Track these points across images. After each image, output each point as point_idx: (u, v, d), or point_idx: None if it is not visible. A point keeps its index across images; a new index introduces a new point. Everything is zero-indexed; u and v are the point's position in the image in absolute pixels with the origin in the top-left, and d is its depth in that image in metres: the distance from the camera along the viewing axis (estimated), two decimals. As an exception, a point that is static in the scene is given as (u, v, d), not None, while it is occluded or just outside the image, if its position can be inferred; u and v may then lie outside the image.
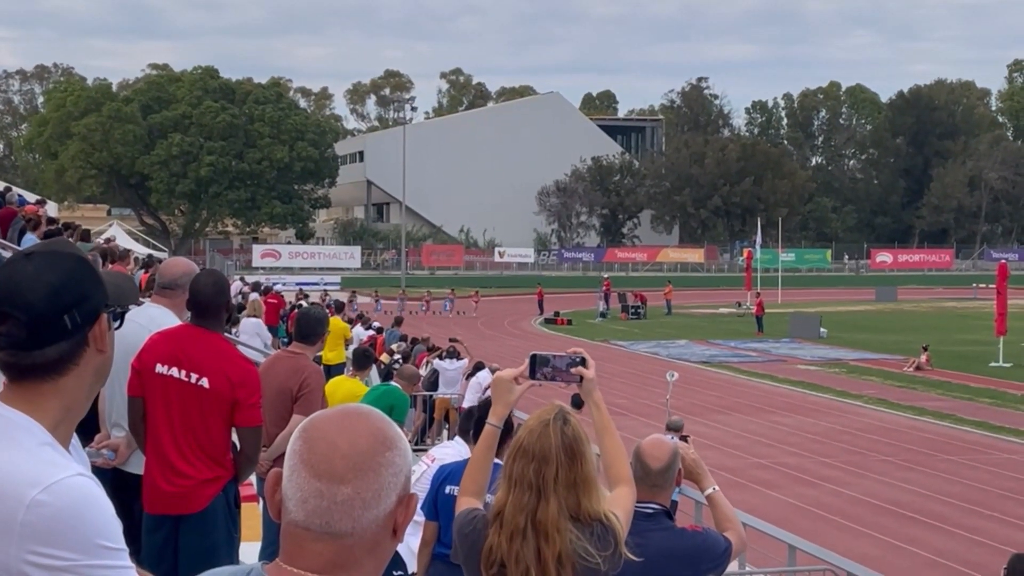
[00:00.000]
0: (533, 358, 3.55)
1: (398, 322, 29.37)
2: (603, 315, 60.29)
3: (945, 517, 17.92)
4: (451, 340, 23.79)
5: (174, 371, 5.49)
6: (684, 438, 16.01)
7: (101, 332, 2.21)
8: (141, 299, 6.45)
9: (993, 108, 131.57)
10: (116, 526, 2.11)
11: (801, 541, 10.39)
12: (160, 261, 16.11)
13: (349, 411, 1.85)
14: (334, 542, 1.77)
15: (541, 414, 3.22)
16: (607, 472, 3.65)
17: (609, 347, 45.07)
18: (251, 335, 16.66)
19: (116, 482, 6.03)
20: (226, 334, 6.11)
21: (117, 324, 2.30)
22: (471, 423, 8.08)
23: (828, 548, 10.84)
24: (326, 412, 1.84)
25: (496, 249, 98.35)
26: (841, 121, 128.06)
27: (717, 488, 4.05)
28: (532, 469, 3.16)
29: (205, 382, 5.41)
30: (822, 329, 49.41)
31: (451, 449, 7.73)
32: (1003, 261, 45.49)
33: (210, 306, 5.66)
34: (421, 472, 7.29)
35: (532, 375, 3.54)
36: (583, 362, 3.58)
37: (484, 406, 4.09)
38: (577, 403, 15.93)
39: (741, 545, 4.19)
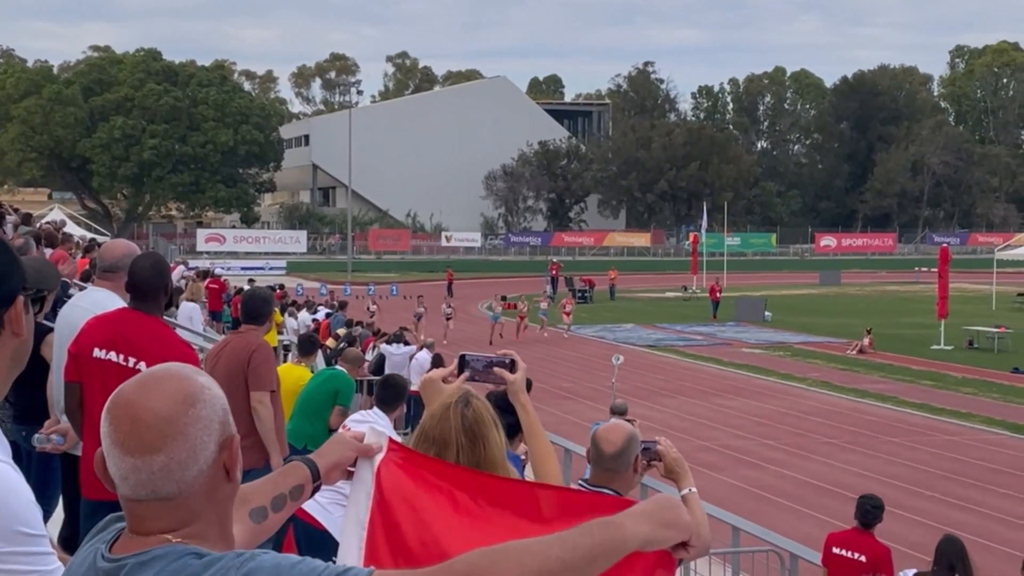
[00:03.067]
0: (462, 358, 3.57)
1: (342, 306, 29.26)
2: (550, 299, 60.31)
3: (887, 498, 17.95)
4: (402, 329, 23.77)
5: (112, 355, 5.41)
6: (630, 422, 16.04)
7: (17, 315, 2.16)
8: (84, 284, 6.36)
9: (935, 93, 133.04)
10: (35, 512, 2.07)
11: (745, 522, 10.47)
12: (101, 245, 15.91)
13: (145, 379, 1.88)
14: (166, 504, 1.84)
15: (445, 399, 3.18)
16: (535, 474, 3.64)
17: (556, 331, 45.14)
18: (185, 319, 16.55)
19: (66, 467, 5.96)
20: (166, 318, 6.02)
21: (37, 308, 2.24)
22: (387, 392, 8.06)
23: (772, 529, 10.94)
24: (125, 386, 1.88)
25: (443, 233, 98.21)
26: (786, 106, 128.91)
27: (694, 490, 4.01)
28: (432, 454, 3.11)
29: (143, 367, 5.33)
30: (767, 313, 49.82)
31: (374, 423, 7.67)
32: (945, 245, 46.07)
33: (148, 289, 5.57)
34: None
35: (461, 375, 3.54)
36: (511, 364, 3.58)
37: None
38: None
39: (702, 549, 4.14)
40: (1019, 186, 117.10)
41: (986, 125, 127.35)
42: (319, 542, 6.99)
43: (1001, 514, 17.45)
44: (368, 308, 40.67)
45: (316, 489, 2.47)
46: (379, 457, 2.53)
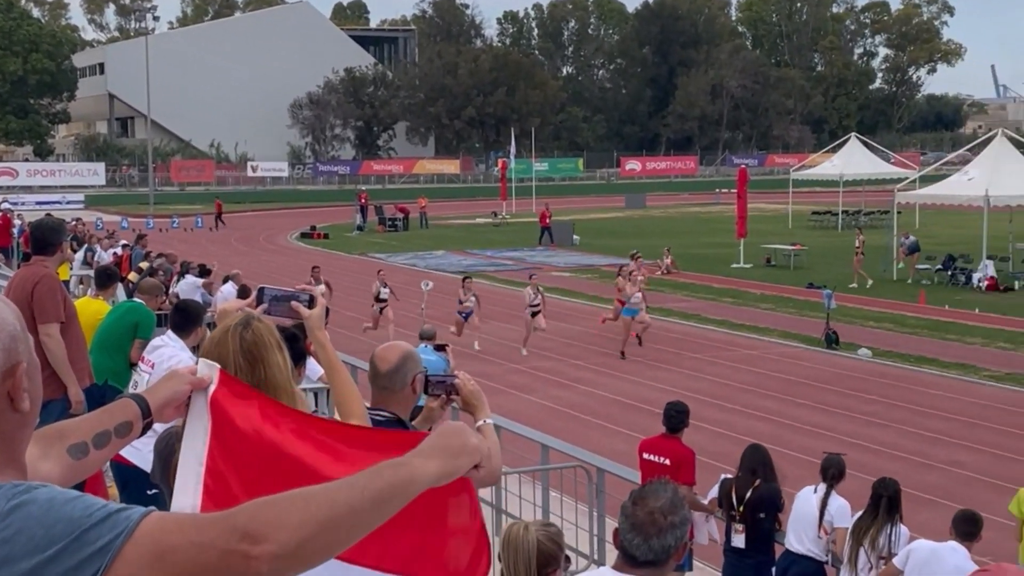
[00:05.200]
0: (261, 291, 3.53)
1: (140, 239, 28.45)
2: (360, 228, 60.03)
3: (691, 412, 18.69)
4: (204, 265, 23.28)
5: None
6: (441, 347, 16.14)
7: None
8: None
9: (733, 18, 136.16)
10: None
11: (554, 440, 10.64)
12: None
13: None
14: None
15: (227, 322, 3.13)
16: (339, 409, 3.62)
17: (367, 260, 44.89)
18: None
19: None
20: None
21: None
22: (180, 316, 7.95)
23: (580, 446, 11.16)
24: None
25: (249, 163, 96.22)
26: (590, 31, 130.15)
27: (490, 421, 4.03)
28: None
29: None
30: (575, 236, 50.63)
31: (168, 349, 7.55)
32: (743, 167, 47.38)
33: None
34: (145, 381, 7.09)
35: (258, 307, 3.49)
36: (310, 300, 3.54)
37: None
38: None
39: (490, 479, 4.17)
40: (813, 108, 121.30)
41: (781, 49, 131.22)
42: (134, 478, 6.89)
43: (798, 423, 18.25)
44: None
45: (148, 426, 2.41)
46: (212, 389, 2.45)
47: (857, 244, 34.98)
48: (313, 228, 57.76)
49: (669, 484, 3.60)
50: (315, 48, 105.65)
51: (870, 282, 34.11)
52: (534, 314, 24.61)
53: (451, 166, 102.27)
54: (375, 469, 1.94)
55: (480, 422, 3.95)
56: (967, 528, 7.87)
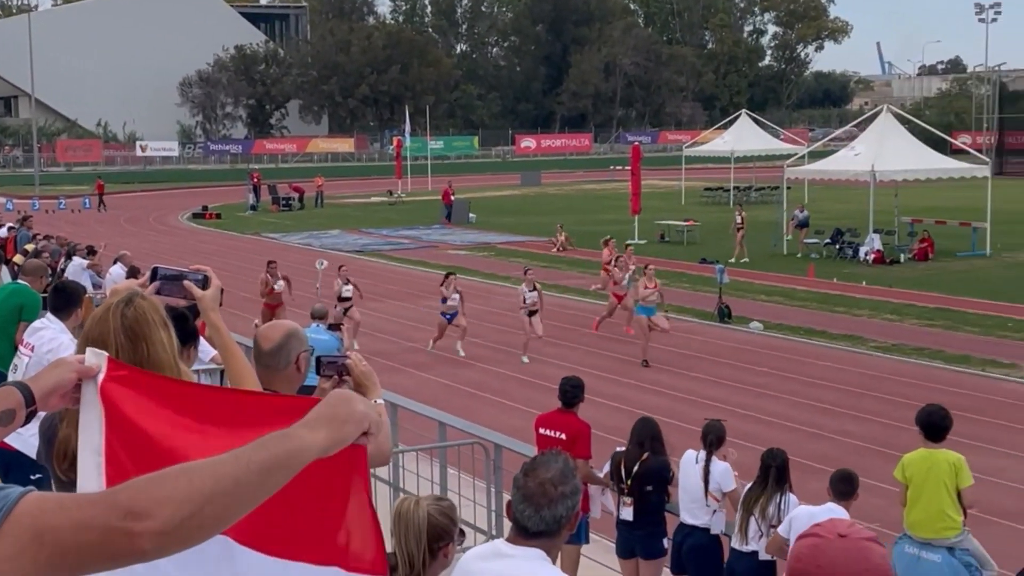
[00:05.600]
0: (154, 270, 3.46)
1: (25, 220, 27.84)
2: (253, 208, 59.32)
3: (587, 388, 18.83)
4: (92, 246, 22.82)
5: None
6: (333, 326, 16.04)
7: None
8: None
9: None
10: None
11: (451, 418, 10.69)
12: None
13: None
14: None
15: (110, 300, 3.08)
16: None
17: (261, 240, 44.45)
18: None
19: None
20: None
21: None
22: (58, 298, 7.85)
23: (477, 423, 11.21)
24: None
25: (137, 143, 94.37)
26: (483, 9, 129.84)
27: (381, 402, 4.01)
28: None
29: None
30: (471, 214, 50.62)
31: (48, 331, 7.46)
32: (637, 144, 47.82)
33: None
34: (24, 364, 6.97)
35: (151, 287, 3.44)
36: (204, 280, 3.49)
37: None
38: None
39: (380, 459, 4.15)
40: (704, 85, 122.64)
41: (673, 26, 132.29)
42: (16, 463, 6.79)
43: (692, 396, 18.52)
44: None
45: (32, 415, 2.34)
46: (100, 377, 2.40)
47: (739, 220, 35.52)
48: (205, 208, 56.93)
49: (560, 455, 3.63)
50: (204, 25, 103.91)
51: (733, 260, 34.51)
52: (531, 313, 21.75)
53: (345, 145, 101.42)
54: (260, 441, 1.91)
55: (371, 402, 3.93)
56: (843, 487, 8.10)
